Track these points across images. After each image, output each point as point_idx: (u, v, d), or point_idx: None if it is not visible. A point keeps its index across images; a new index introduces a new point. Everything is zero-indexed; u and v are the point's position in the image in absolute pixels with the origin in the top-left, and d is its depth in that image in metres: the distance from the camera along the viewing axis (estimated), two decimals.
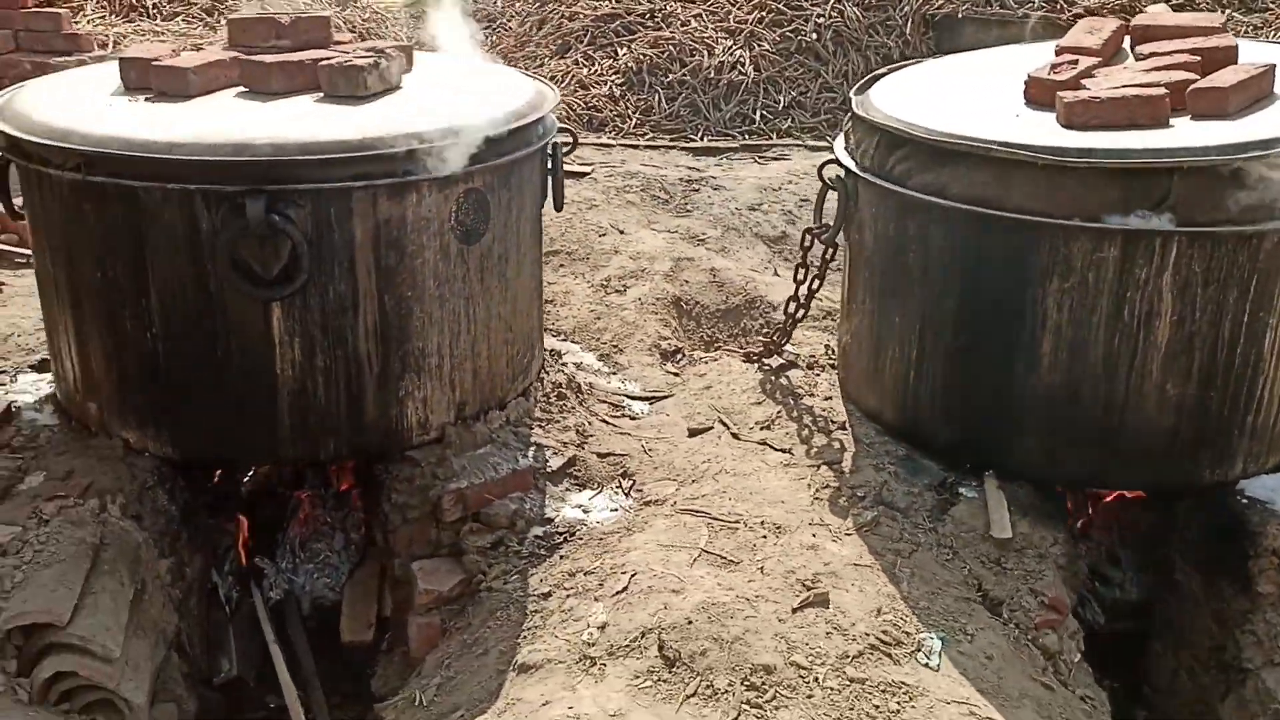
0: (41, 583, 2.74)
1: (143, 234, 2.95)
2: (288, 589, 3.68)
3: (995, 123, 3.39)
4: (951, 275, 3.34)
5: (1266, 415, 3.29)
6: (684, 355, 4.37)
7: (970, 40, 6.66)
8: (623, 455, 3.63)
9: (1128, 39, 3.96)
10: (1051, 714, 2.75)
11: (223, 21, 6.80)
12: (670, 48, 6.81)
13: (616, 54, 6.98)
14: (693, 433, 3.77)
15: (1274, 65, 3.48)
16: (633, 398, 4.02)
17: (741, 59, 6.66)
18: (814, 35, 6.67)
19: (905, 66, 4.14)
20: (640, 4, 7.34)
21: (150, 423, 3.18)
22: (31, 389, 3.65)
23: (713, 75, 6.63)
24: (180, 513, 3.28)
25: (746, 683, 2.60)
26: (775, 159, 6.12)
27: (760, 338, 4.46)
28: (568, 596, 2.97)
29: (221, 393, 3.09)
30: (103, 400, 3.21)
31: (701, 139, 6.36)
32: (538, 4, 8.81)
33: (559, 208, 3.73)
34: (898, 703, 2.58)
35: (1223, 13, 6.69)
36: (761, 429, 3.78)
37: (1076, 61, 3.75)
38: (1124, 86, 3.43)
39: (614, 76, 6.76)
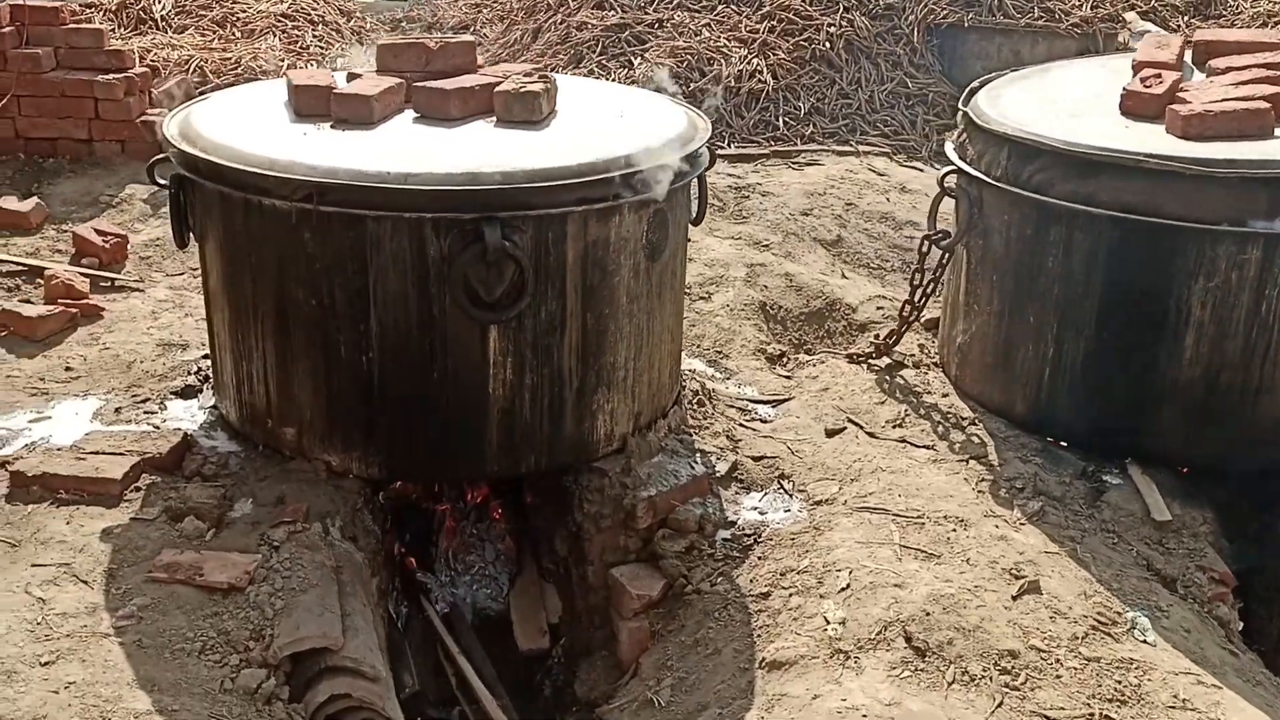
0: (306, 608, 2.79)
1: (368, 261, 3.00)
2: (452, 602, 3.75)
3: (1116, 133, 3.66)
4: (1095, 277, 3.59)
5: None
6: (789, 358, 4.54)
7: (974, 49, 6.98)
8: (774, 457, 3.79)
9: (1189, 53, 4.28)
10: (1246, 678, 3.01)
11: (235, 33, 6.73)
12: (689, 57, 6.97)
13: (632, 64, 7.10)
14: (830, 433, 3.94)
15: None
16: (755, 401, 4.18)
17: (759, 67, 6.86)
18: (827, 44, 6.90)
19: (994, 79, 4.38)
20: (647, 14, 7.47)
21: (358, 445, 3.22)
22: (187, 416, 3.64)
23: (733, 84, 6.81)
24: (381, 532, 3.33)
25: (998, 667, 2.80)
26: (808, 164, 6.33)
27: (868, 339, 4.64)
28: (790, 595, 3.12)
29: (433, 413, 3.16)
30: (304, 424, 3.24)
31: (729, 145, 6.53)
32: (524, 13, 8.87)
33: (699, 222, 3.87)
34: (1135, 677, 2.81)
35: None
36: (893, 427, 3.98)
37: (1160, 76, 4.04)
38: (1224, 101, 3.73)
39: (634, 86, 6.88)
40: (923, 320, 4.73)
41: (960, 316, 4.12)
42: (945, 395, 4.15)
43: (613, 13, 7.59)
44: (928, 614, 2.93)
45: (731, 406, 4.09)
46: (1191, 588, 3.30)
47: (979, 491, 3.57)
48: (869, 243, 5.61)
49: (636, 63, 7.09)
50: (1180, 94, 3.90)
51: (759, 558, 3.34)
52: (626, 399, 3.44)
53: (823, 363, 4.44)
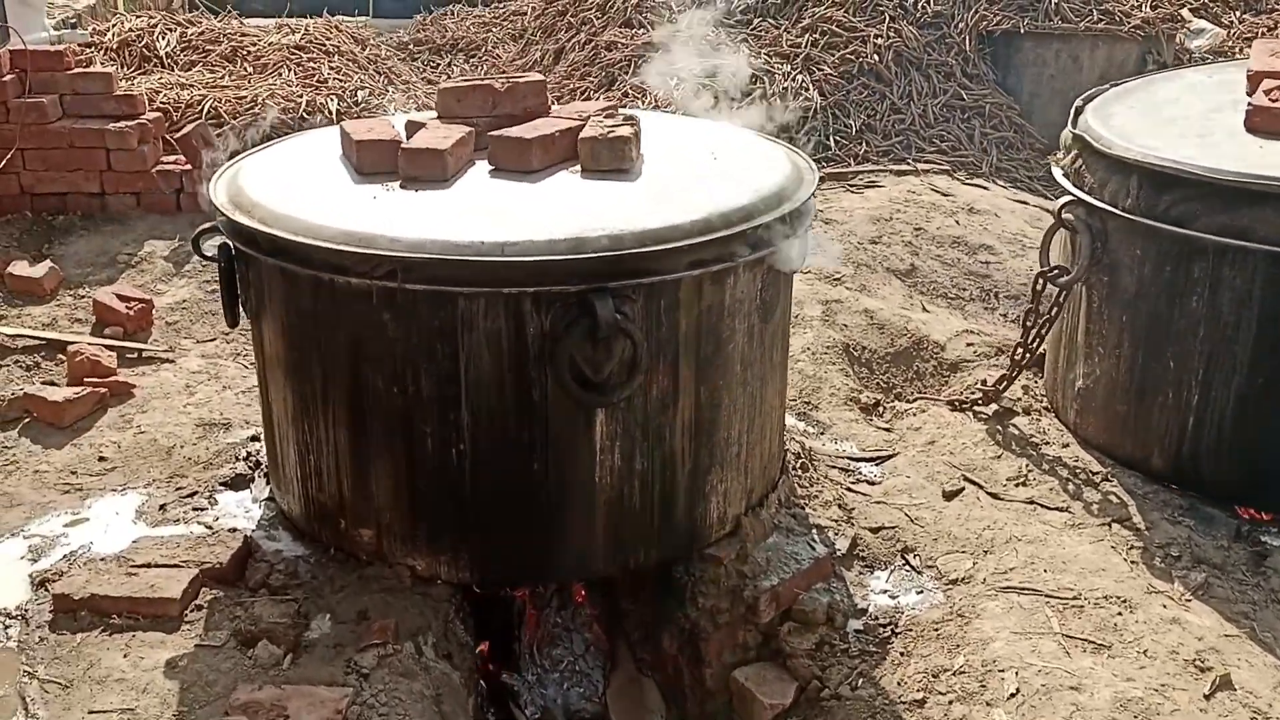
0: None
1: (459, 343, 2.62)
2: (543, 705, 3.37)
3: (1257, 157, 3.31)
4: (1247, 316, 3.23)
5: None
6: (884, 407, 4.17)
7: (1030, 56, 6.63)
8: (893, 528, 3.42)
9: None
10: None
11: (246, 68, 6.35)
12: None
13: (669, 85, 6.74)
14: (948, 495, 3.58)
15: None
16: (857, 459, 3.81)
17: (805, 84, 6.50)
18: (875, 56, 6.54)
19: (1097, 95, 4.03)
20: (680, 30, 7.11)
21: (447, 548, 2.84)
22: (241, 512, 3.26)
23: (778, 102, 6.45)
24: (473, 642, 2.95)
25: None
26: (867, 186, 5.98)
27: (961, 380, 4.28)
28: (951, 702, 2.75)
29: (533, 509, 2.78)
30: (384, 525, 2.86)
31: None
32: (541, 32, 8.51)
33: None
34: None
35: None
36: (1016, 485, 3.61)
37: None
38: None
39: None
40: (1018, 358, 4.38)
41: (1080, 359, 3.75)
42: (1066, 445, 3.79)
43: (642, 30, 7.23)
44: None
45: (834, 467, 3.72)
46: None
47: (1131, 562, 3.21)
48: (944, 270, 5.25)
49: (673, 84, 6.72)
50: None
51: (901, 653, 2.97)
52: (740, 476, 3.07)
53: (924, 411, 4.07)
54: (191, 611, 2.84)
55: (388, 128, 3.17)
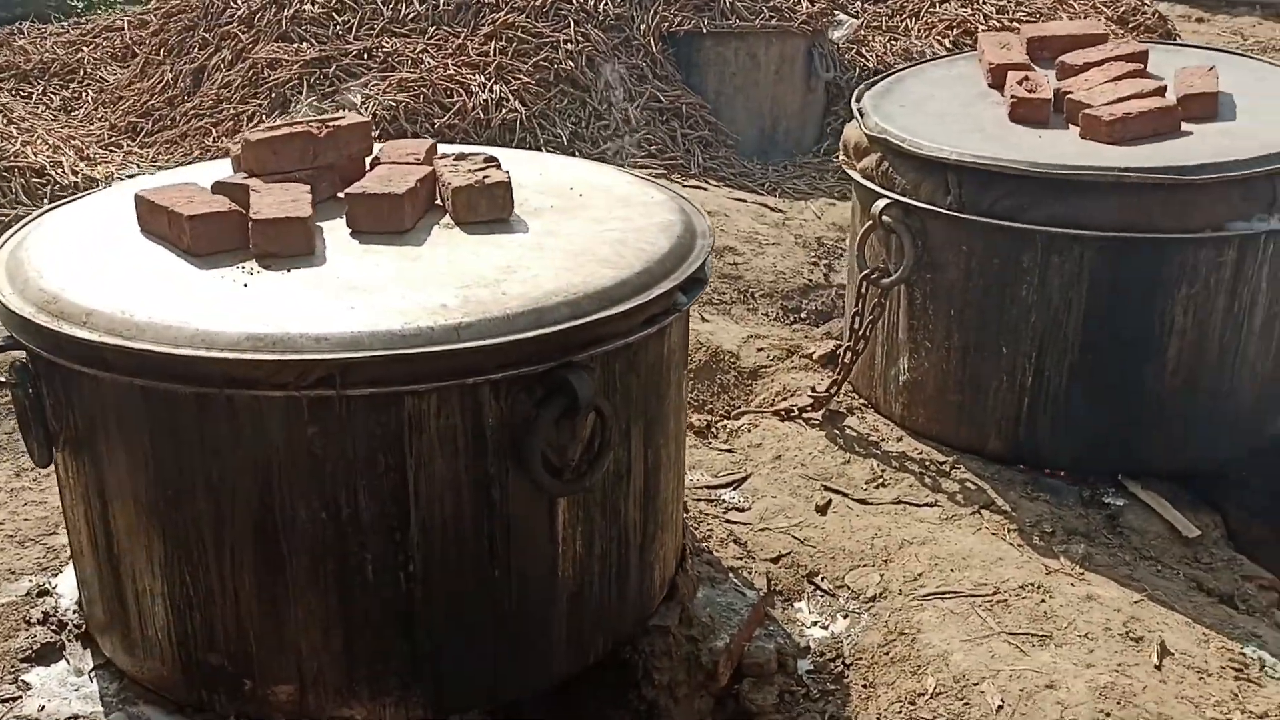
0: None
1: (405, 449, 2.20)
2: None
3: (1049, 147, 3.55)
4: (1076, 300, 3.46)
5: None
6: (716, 428, 4.09)
7: (712, 55, 6.78)
8: (789, 553, 3.35)
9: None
10: None
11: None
12: (423, 90, 6.20)
13: (354, 103, 6.21)
14: (820, 510, 3.57)
15: (1213, 67, 3.96)
16: (714, 487, 3.71)
17: (505, 95, 6.24)
18: (569, 62, 6.41)
19: (863, 96, 4.13)
20: (350, 43, 6.58)
21: (394, 688, 2.40)
22: (68, 691, 2.60)
23: (482, 115, 6.15)
24: None
25: None
26: None
27: (766, 386, 4.28)
28: None
29: (495, 620, 2.42)
30: (310, 678, 2.37)
31: None
32: (164, 49, 7.60)
33: None
34: None
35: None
36: (877, 487, 3.67)
37: (1029, 78, 4.00)
38: (1128, 100, 3.73)
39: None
40: (816, 357, 4.47)
41: (904, 354, 3.86)
42: (900, 440, 3.89)
43: (306, 44, 6.62)
44: (1107, 715, 2.64)
45: (699, 500, 3.58)
46: (1249, 600, 3.26)
47: (1017, 546, 3.34)
48: None
49: (359, 101, 6.23)
50: (1068, 96, 3.85)
51: (864, 685, 2.90)
52: (673, 534, 2.86)
53: (756, 426, 4.02)
54: None
55: (204, 194, 2.61)
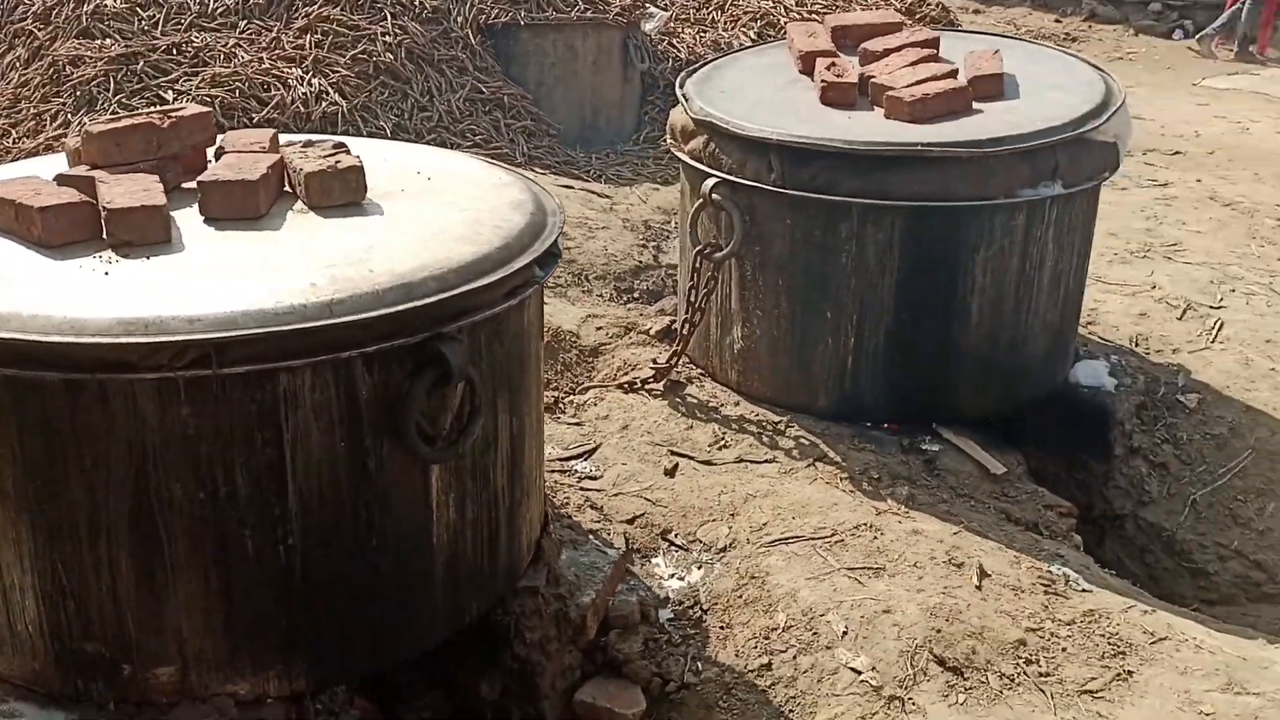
0: None
1: (282, 425, 2.27)
2: None
3: (860, 127, 3.86)
4: (889, 265, 3.77)
5: (1075, 323, 4.25)
6: (563, 404, 4.24)
7: (531, 47, 6.91)
8: (642, 514, 3.55)
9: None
10: (1139, 593, 3.40)
11: None
12: (239, 84, 6.10)
13: (165, 99, 6.06)
14: (668, 473, 3.78)
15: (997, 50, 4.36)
16: (566, 459, 3.87)
17: (324, 88, 6.21)
18: (388, 55, 6.43)
19: (684, 83, 4.36)
20: (158, 39, 6.40)
21: (276, 660, 2.45)
22: None
23: (302, 109, 6.10)
24: None
25: (1021, 658, 2.89)
26: None
27: (606, 363, 4.46)
28: (795, 656, 2.95)
29: (373, 589, 2.51)
30: (192, 656, 2.40)
31: None
32: None
33: None
34: (1107, 625, 3.05)
35: None
36: (720, 449, 3.91)
37: (835, 64, 4.32)
38: (924, 83, 4.07)
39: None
40: (654, 333, 4.67)
41: (736, 323, 4.11)
42: (737, 404, 4.14)
43: (110, 40, 6.41)
44: (938, 631, 2.93)
45: (553, 471, 3.73)
46: (1050, 526, 3.64)
47: (850, 492, 3.63)
48: None
49: (171, 97, 6.08)
50: (871, 80, 4.18)
51: (721, 627, 3.11)
52: (538, 499, 3.00)
53: (601, 400, 4.20)
54: None
55: (50, 186, 2.60)
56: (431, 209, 2.73)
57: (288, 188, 2.83)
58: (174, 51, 6.38)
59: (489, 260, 2.50)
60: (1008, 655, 2.89)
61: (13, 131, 6.44)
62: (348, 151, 2.86)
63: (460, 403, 2.49)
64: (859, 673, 2.85)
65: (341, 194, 2.74)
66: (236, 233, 2.57)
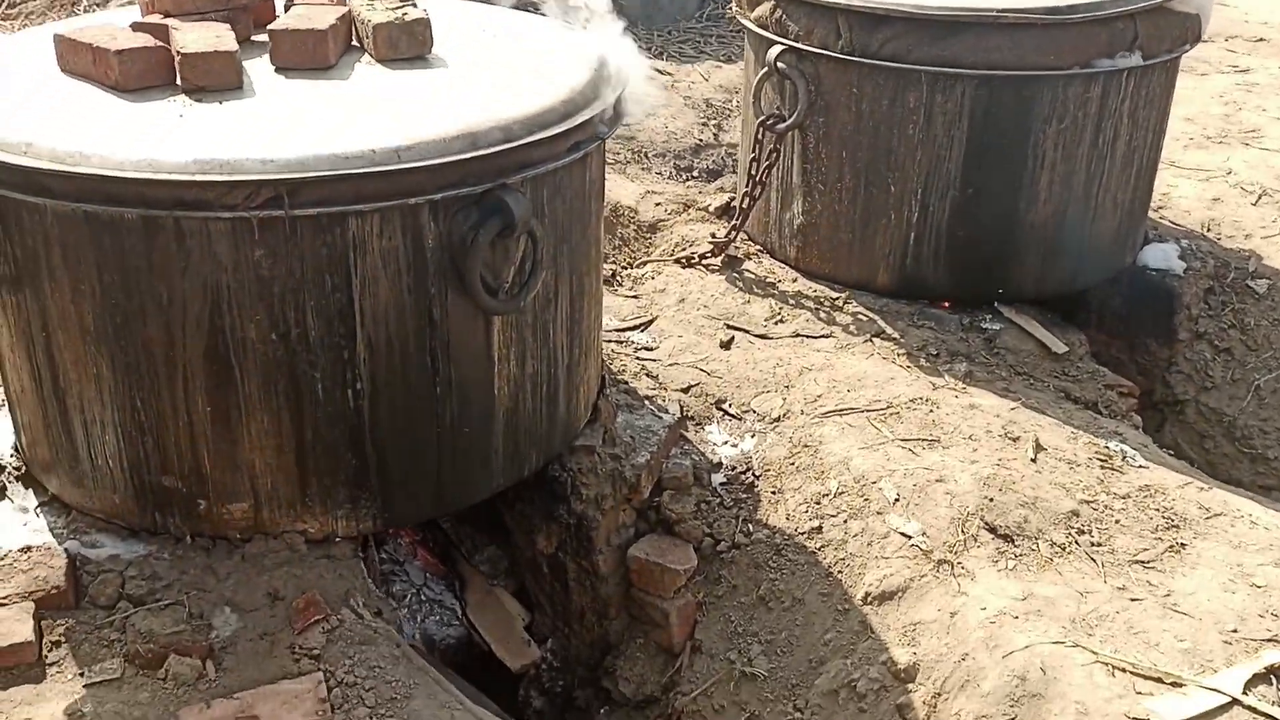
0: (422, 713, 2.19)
1: (351, 269, 2.31)
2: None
3: None
4: (957, 137, 3.70)
5: (1147, 203, 4.16)
6: (620, 276, 4.25)
7: None
8: (697, 384, 3.57)
9: None
10: (1198, 474, 3.39)
11: None
12: None
13: None
14: (724, 345, 3.79)
15: None
16: (623, 330, 3.89)
17: None
18: None
19: None
20: None
21: (344, 501, 2.54)
22: (20, 526, 2.66)
23: None
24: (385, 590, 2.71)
25: (1074, 528, 2.90)
26: None
27: (665, 238, 4.46)
28: (846, 520, 2.99)
29: (438, 435, 2.57)
30: (264, 494, 2.49)
31: None
32: None
33: None
34: (1162, 500, 3.04)
35: None
36: (776, 323, 3.90)
37: None
38: None
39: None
40: (713, 210, 4.65)
41: (797, 198, 4.07)
42: (795, 280, 4.12)
43: None
44: (990, 500, 2.95)
45: (609, 341, 3.77)
46: (1110, 405, 3.62)
47: (905, 367, 3.62)
48: None
49: None
50: None
51: (773, 492, 3.16)
52: (595, 361, 3.05)
53: (659, 274, 4.21)
54: (50, 651, 2.32)
55: (126, 32, 2.62)
56: (498, 63, 2.73)
57: (355, 40, 2.83)
58: None
59: (553, 113, 2.50)
60: (1059, 525, 2.90)
61: None
62: (414, 5, 2.85)
63: (522, 256, 2.51)
64: (909, 537, 2.88)
65: (408, 46, 2.74)
66: (306, 81, 2.58)
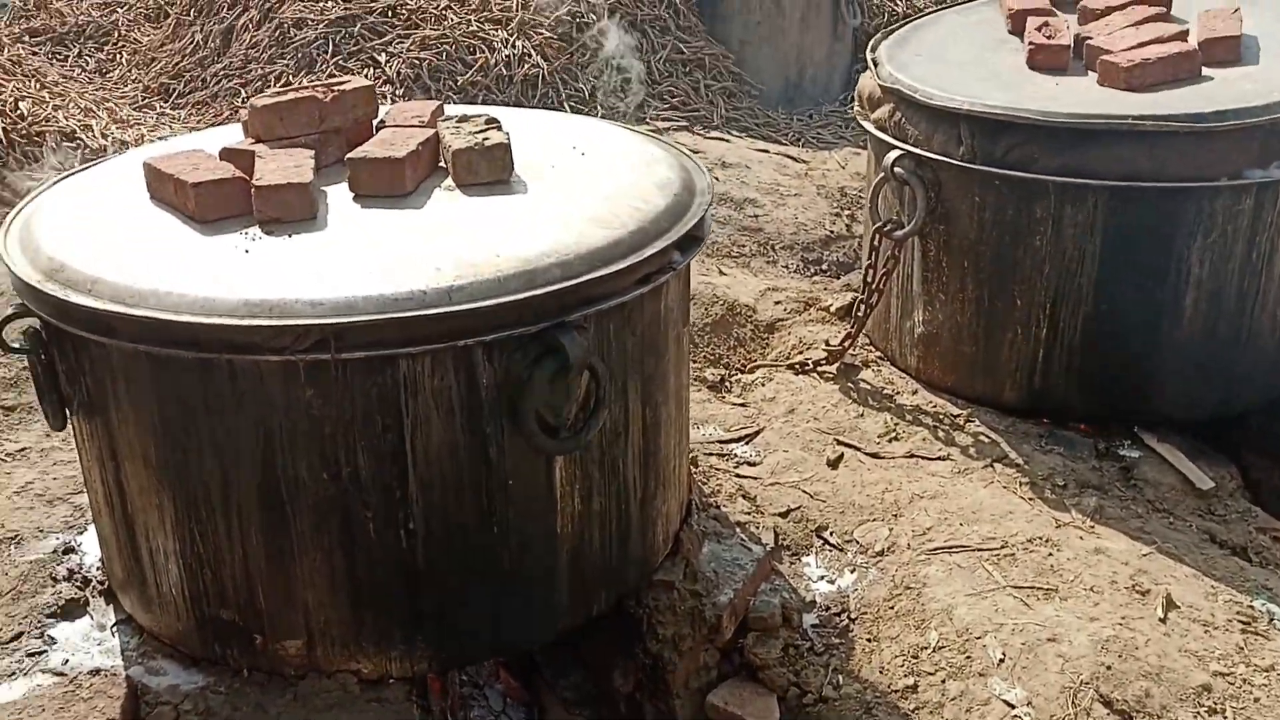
0: None
1: (402, 410, 2.24)
2: None
3: (1066, 95, 3.50)
4: (1089, 249, 3.42)
5: None
6: (729, 382, 4.10)
7: (735, 4, 6.71)
8: (798, 508, 3.37)
9: None
10: None
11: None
12: (446, 47, 6.20)
13: (378, 61, 6.23)
14: (831, 464, 3.58)
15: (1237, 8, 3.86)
16: (726, 442, 3.73)
17: (527, 50, 6.22)
18: (593, 16, 6.38)
19: (878, 46, 4.08)
20: (375, 2, 6.58)
21: (399, 641, 2.46)
22: (91, 645, 2.68)
23: (505, 71, 6.14)
24: None
25: (1203, 707, 2.58)
26: None
27: (781, 340, 4.29)
28: (944, 680, 2.73)
29: (495, 576, 2.47)
30: (317, 631, 2.44)
31: None
32: (194, 9, 7.64)
33: None
34: None
35: None
36: (890, 440, 3.67)
37: (1049, 24, 3.94)
38: (1148, 45, 3.65)
39: (387, 88, 6.05)
40: (834, 310, 4.46)
41: (918, 306, 3.85)
42: (915, 393, 3.89)
43: (331, 3, 6.63)
44: (1108, 667, 2.65)
45: (710, 454, 3.61)
46: (1263, 552, 3.25)
47: (1028, 499, 3.34)
48: (720, 229, 5.23)
49: (384, 59, 6.24)
50: (1087, 42, 3.79)
51: (868, 640, 2.93)
52: (676, 491, 2.89)
53: (770, 380, 4.03)
54: None
55: (211, 160, 2.65)
56: (573, 188, 2.64)
57: (441, 163, 2.80)
58: (389, 14, 6.54)
59: (621, 246, 2.39)
60: (1188, 702, 2.58)
61: (243, 91, 6.77)
62: (499, 127, 2.81)
63: (585, 393, 2.39)
64: (1012, 706, 2.61)
65: (488, 172, 2.69)
66: (380, 211, 2.55)
